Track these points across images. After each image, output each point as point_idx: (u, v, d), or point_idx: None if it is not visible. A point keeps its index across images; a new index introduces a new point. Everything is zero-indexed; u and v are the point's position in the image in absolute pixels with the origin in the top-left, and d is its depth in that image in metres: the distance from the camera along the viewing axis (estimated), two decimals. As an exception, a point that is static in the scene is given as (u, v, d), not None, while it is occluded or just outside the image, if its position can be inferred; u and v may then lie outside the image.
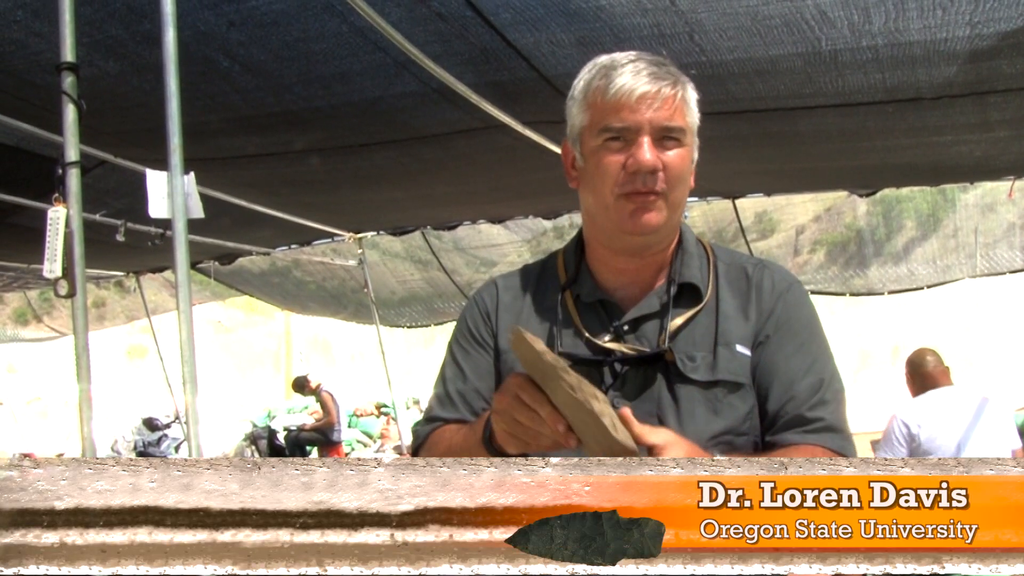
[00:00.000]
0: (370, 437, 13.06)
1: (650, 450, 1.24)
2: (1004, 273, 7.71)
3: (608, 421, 1.19)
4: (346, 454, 10.95)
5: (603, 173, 1.44)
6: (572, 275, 1.57)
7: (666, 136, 1.42)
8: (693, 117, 1.47)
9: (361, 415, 13.44)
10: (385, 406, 13.21)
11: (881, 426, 4.50)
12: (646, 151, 1.40)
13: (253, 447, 11.17)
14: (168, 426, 11.65)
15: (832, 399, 1.48)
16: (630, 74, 1.40)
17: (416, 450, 1.64)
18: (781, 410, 1.46)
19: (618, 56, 1.45)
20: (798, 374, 1.47)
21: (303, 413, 13.18)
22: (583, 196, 1.53)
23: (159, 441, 11.43)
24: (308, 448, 10.23)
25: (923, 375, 4.52)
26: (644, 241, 1.48)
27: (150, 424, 11.77)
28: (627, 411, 1.25)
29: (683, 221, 1.57)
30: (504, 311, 1.60)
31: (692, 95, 1.47)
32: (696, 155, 1.51)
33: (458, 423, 1.57)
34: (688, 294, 1.51)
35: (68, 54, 2.42)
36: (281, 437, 10.16)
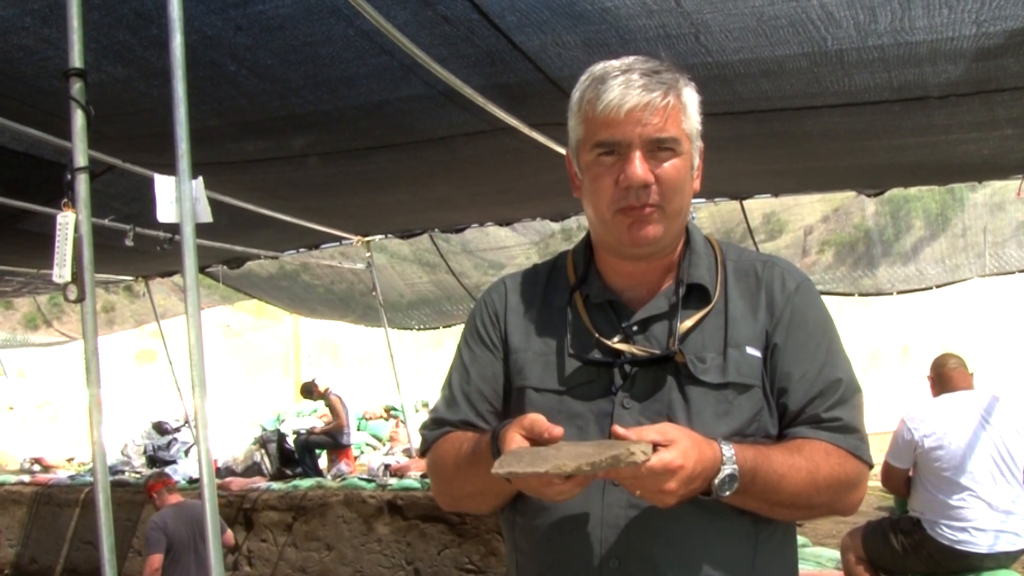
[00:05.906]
0: (379, 440, 13.09)
1: (654, 446, 1.25)
2: (1013, 272, 7.68)
3: (621, 452, 1.21)
4: (355, 457, 10.96)
5: (598, 189, 1.45)
6: (582, 276, 1.57)
7: (659, 148, 1.41)
8: (691, 123, 1.45)
9: (370, 418, 13.47)
10: (394, 409, 13.24)
11: (891, 426, 4.49)
12: (637, 166, 1.39)
13: (263, 451, 11.16)
14: (178, 430, 11.67)
15: (850, 398, 1.48)
16: (620, 87, 1.39)
17: (423, 454, 1.65)
18: (802, 411, 1.46)
19: (611, 66, 1.43)
20: (817, 375, 1.47)
21: (312, 416, 13.21)
22: (585, 206, 1.53)
23: (169, 445, 11.44)
24: (317, 451, 10.22)
25: (941, 377, 4.51)
26: (646, 250, 1.49)
27: (160, 428, 11.78)
28: (616, 428, 1.28)
29: (690, 221, 1.57)
30: (513, 311, 1.60)
31: (690, 99, 1.46)
32: (698, 159, 1.50)
33: (465, 427, 1.57)
34: (697, 294, 1.51)
35: (76, 60, 2.41)
36: (291, 440, 10.15)
